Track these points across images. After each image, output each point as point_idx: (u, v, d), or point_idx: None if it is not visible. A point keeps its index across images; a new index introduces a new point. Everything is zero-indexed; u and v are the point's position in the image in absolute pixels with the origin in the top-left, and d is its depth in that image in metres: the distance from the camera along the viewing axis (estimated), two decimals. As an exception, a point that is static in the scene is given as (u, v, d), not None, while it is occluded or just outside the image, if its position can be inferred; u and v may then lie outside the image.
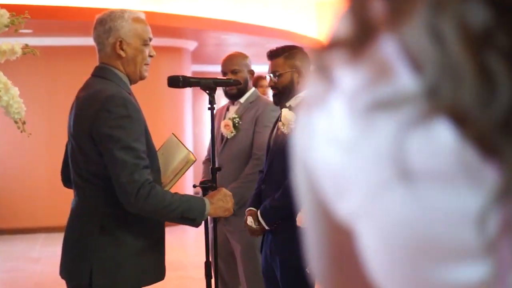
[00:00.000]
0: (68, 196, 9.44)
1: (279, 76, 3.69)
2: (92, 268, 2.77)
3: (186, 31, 10.02)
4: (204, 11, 9.62)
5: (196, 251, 8.89)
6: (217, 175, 3.30)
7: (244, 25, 10.12)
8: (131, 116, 2.74)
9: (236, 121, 4.34)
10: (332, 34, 0.60)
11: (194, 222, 2.85)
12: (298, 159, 0.67)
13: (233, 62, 4.41)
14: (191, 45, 10.97)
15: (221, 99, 15.56)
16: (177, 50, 10.25)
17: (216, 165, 3.35)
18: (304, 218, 0.75)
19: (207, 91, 3.13)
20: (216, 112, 4.70)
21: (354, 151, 0.56)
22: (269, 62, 3.77)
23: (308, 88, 0.61)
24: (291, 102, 3.71)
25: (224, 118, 4.48)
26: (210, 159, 4.55)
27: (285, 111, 3.64)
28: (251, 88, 4.45)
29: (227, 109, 4.54)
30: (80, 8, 8.23)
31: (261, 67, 5.94)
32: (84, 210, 2.85)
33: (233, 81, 3.27)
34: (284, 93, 3.70)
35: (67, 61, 9.89)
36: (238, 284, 4.53)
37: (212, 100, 3.12)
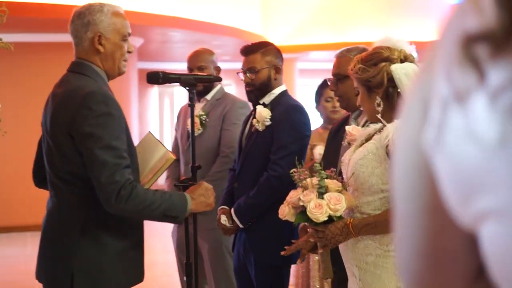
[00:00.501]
0: (18, 196, 9.18)
1: (257, 72, 3.65)
2: (74, 271, 2.66)
3: (132, 27, 9.83)
4: (150, 7, 9.49)
5: (147, 250, 8.78)
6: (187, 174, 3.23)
7: (190, 22, 10.03)
8: (112, 113, 2.65)
9: (203, 118, 4.28)
10: (468, 26, 0.57)
11: (176, 220, 2.78)
12: (410, 155, 0.64)
13: (199, 58, 4.35)
14: (137, 41, 10.80)
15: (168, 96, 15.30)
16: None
17: (182, 163, 3.27)
18: (399, 218, 0.71)
19: (187, 88, 3.06)
20: (181, 110, 4.64)
21: (500, 149, 0.53)
22: (243, 59, 3.72)
23: (443, 84, 0.58)
24: (265, 99, 3.68)
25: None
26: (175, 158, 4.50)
27: (260, 108, 3.61)
28: (217, 85, 4.40)
29: (193, 106, 4.47)
30: (31, 3, 8.02)
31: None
32: (63, 211, 2.73)
33: (213, 77, 3.20)
34: (260, 89, 3.67)
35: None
36: (204, 283, 4.48)
37: (192, 97, 3.04)
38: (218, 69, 4.38)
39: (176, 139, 4.60)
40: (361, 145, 2.83)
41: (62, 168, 2.71)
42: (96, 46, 2.77)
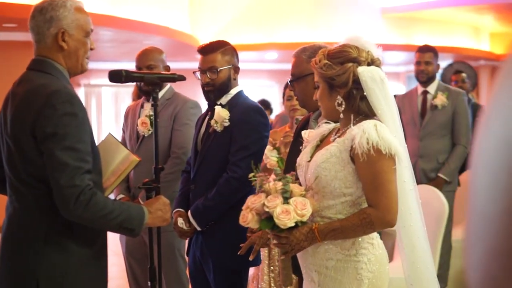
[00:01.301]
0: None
1: (219, 72, 3.58)
2: (39, 280, 2.53)
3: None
4: (79, 4, 9.26)
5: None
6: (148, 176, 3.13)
7: (121, 20, 9.85)
8: (77, 113, 2.53)
9: (153, 119, 4.17)
10: None
11: (132, 232, 2.65)
12: (500, 154, 0.62)
13: (148, 57, 4.24)
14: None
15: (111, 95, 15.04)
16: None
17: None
18: (477, 218, 0.69)
19: (151, 87, 2.97)
20: (128, 109, 4.52)
21: None
22: (200, 57, 3.64)
23: None
24: (222, 100, 3.62)
25: (139, 115, 4.31)
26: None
27: (218, 108, 3.54)
28: (166, 85, 4.30)
29: (142, 106, 4.36)
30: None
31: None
32: (26, 217, 2.59)
33: (177, 76, 3.11)
34: (220, 89, 3.60)
35: None
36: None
37: (156, 96, 2.96)
38: (167, 68, 4.29)
39: (123, 140, 4.47)
40: (316, 146, 2.79)
41: (24, 170, 2.57)
42: (60, 43, 2.65)
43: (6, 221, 2.67)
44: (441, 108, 5.91)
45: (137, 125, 4.23)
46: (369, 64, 2.62)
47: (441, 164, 5.86)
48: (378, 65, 2.65)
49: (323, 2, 12.67)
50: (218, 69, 3.58)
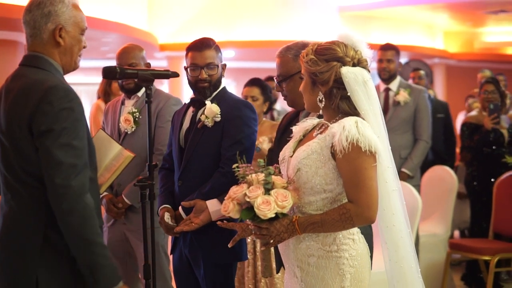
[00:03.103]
0: None
1: (217, 68, 3.60)
2: (38, 281, 2.49)
3: (20, 23, 9.40)
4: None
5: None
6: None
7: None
8: (74, 108, 2.49)
9: (136, 116, 4.16)
10: None
11: (93, 284, 2.47)
12: None
13: (130, 55, 4.21)
14: (24, 39, 10.34)
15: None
16: (10, 44, 9.58)
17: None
18: None
19: (144, 84, 2.96)
20: (108, 107, 4.48)
21: None
22: (192, 54, 3.61)
23: None
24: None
25: (120, 112, 4.28)
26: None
27: (209, 104, 3.54)
28: (146, 81, 4.28)
29: (122, 103, 4.33)
30: None
31: (100, 62, 5.27)
32: (23, 217, 2.53)
33: (171, 73, 3.10)
34: (215, 85, 3.62)
35: None
36: (134, 285, 4.36)
37: (149, 93, 2.94)
38: (148, 65, 4.28)
39: (102, 137, 4.43)
40: (300, 140, 2.82)
41: (20, 168, 2.52)
42: (57, 39, 2.61)
43: (1, 221, 2.61)
44: (404, 104, 6.07)
45: (120, 122, 4.20)
46: (354, 65, 2.65)
47: (404, 159, 6.01)
48: (364, 66, 2.68)
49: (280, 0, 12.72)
50: (219, 65, 3.60)
